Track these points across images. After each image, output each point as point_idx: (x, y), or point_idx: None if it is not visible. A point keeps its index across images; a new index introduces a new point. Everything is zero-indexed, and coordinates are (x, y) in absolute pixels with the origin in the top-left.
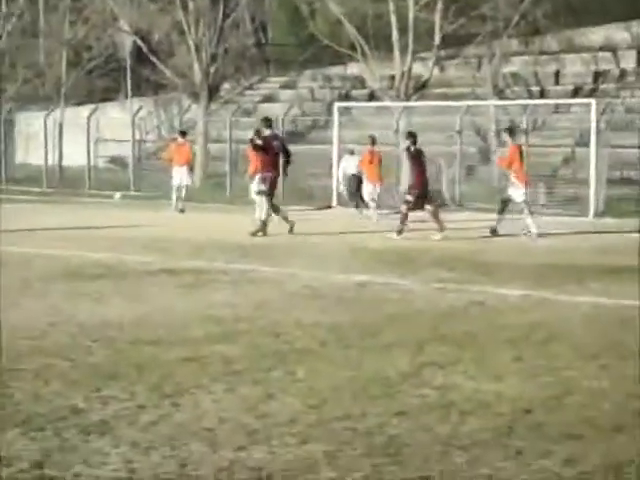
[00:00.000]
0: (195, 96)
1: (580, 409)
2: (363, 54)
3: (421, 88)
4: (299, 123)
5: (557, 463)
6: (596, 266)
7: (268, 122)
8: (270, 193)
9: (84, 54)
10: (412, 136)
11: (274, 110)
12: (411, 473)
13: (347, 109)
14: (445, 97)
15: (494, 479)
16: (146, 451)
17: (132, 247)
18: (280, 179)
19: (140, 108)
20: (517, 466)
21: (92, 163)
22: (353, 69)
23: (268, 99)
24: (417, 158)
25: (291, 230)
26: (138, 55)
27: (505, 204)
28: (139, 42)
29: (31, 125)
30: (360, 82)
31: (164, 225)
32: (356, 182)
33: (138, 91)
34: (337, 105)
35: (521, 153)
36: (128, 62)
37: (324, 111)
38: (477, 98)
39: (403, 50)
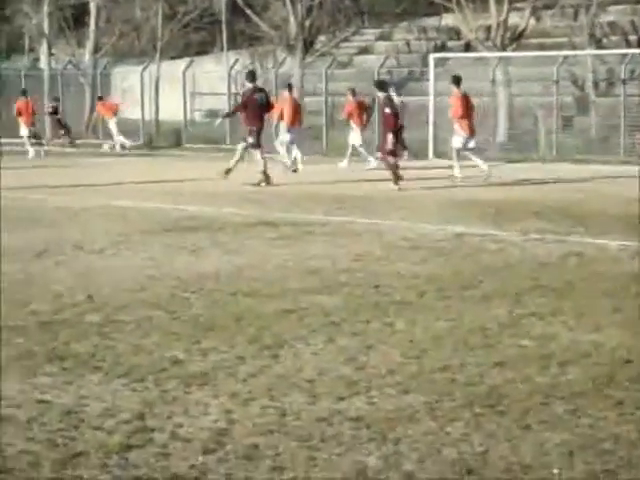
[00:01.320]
0: (290, 49)
1: None
2: (458, 4)
3: (517, 38)
4: (395, 75)
5: None
6: None
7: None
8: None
9: (179, 8)
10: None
11: (369, 62)
12: (511, 423)
13: (443, 60)
14: (541, 47)
15: (594, 429)
16: (246, 402)
17: (228, 200)
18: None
19: (236, 61)
20: (618, 416)
21: (188, 117)
22: (448, 20)
23: (363, 51)
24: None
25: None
26: (233, 8)
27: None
28: None
29: (127, 80)
30: (456, 33)
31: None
32: None
33: (233, 44)
34: (432, 56)
35: (467, 103)
36: (223, 15)
37: (420, 63)
38: (574, 48)
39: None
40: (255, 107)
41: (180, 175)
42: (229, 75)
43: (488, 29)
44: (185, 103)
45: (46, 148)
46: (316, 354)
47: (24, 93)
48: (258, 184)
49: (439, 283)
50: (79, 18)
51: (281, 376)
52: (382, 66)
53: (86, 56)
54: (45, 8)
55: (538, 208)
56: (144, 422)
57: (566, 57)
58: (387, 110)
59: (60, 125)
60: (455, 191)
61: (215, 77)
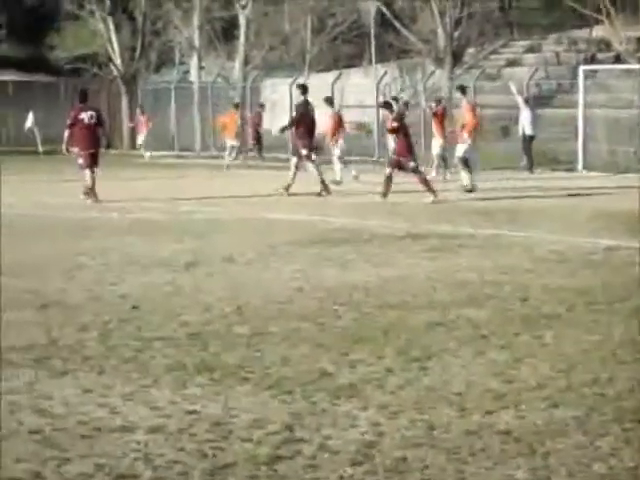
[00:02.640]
0: (439, 61)
1: None
2: (608, 16)
3: None
4: (544, 87)
5: None
6: None
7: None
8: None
9: (328, 21)
10: None
11: (519, 74)
12: None
13: (592, 72)
14: None
15: None
16: (394, 414)
17: (375, 212)
18: None
19: (385, 73)
20: None
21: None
22: (598, 31)
23: (512, 63)
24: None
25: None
26: (382, 21)
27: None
28: (383, 8)
29: (276, 92)
30: (605, 45)
31: (406, 190)
32: None
33: (382, 57)
34: (582, 68)
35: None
36: (372, 28)
37: (569, 74)
38: None
39: None
40: (307, 121)
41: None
42: (377, 87)
43: (638, 40)
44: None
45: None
46: (464, 367)
47: (236, 106)
48: (319, 194)
49: (588, 296)
50: (229, 31)
51: (429, 389)
52: (531, 78)
53: (236, 69)
54: (195, 21)
55: None
56: (292, 433)
57: None
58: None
59: (257, 136)
60: (603, 204)
61: (363, 90)
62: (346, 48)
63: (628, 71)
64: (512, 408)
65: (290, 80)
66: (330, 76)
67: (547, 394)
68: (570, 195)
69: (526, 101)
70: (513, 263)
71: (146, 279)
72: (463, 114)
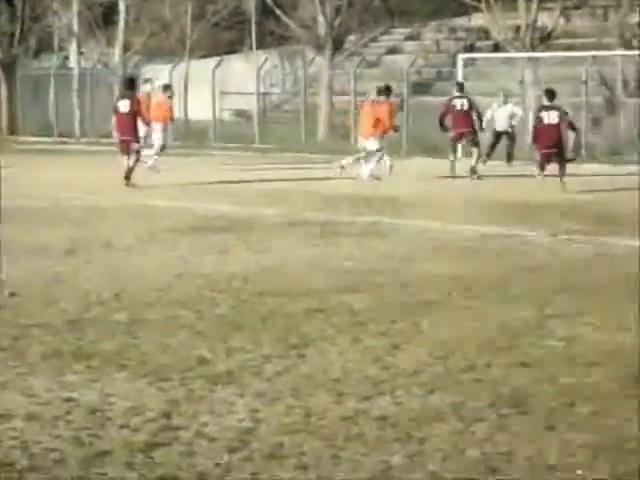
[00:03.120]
0: (319, 48)
1: None
2: (487, 5)
3: (546, 39)
4: (423, 74)
5: None
6: None
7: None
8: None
9: (209, 7)
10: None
11: (398, 62)
12: (536, 423)
13: (471, 60)
14: (570, 48)
15: (619, 430)
16: (271, 401)
17: (257, 199)
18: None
19: (265, 60)
20: None
21: (217, 116)
22: (477, 20)
23: (392, 51)
24: None
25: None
26: (262, 7)
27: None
28: None
29: (157, 78)
30: (484, 33)
31: (288, 178)
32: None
33: (262, 43)
34: (461, 56)
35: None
36: (252, 14)
37: (448, 62)
38: (603, 48)
39: (528, 0)
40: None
41: (208, 175)
42: (258, 75)
43: (517, 29)
44: (214, 102)
45: None
46: (342, 354)
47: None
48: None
49: (466, 283)
50: (108, 17)
51: (307, 375)
52: (411, 66)
53: (115, 55)
54: (75, 7)
55: (566, 209)
56: (170, 421)
57: (595, 57)
58: None
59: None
60: (485, 191)
61: (244, 76)
62: (227, 34)
63: (507, 59)
64: (389, 394)
65: (170, 66)
66: (211, 62)
67: (424, 380)
68: (448, 182)
69: (504, 100)
70: (392, 250)
71: (24, 266)
72: (383, 110)
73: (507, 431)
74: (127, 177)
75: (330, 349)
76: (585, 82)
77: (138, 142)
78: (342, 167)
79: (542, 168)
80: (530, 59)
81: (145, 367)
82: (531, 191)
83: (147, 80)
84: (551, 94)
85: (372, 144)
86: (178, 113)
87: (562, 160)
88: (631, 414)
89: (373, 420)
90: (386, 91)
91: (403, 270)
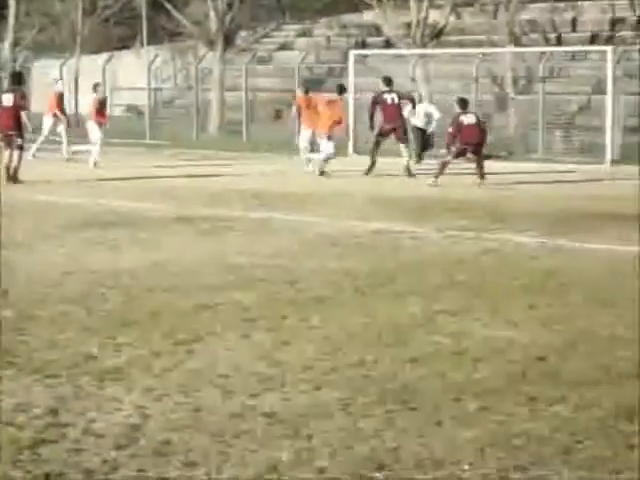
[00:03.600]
0: (211, 44)
1: (594, 356)
2: (379, 1)
3: (437, 35)
4: (315, 71)
5: (570, 409)
6: (612, 214)
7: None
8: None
9: (99, 2)
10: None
11: (290, 58)
12: (424, 419)
13: (363, 57)
14: (461, 45)
15: (506, 425)
16: (159, 397)
17: (148, 195)
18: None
19: (156, 56)
20: (529, 412)
21: (108, 111)
22: (369, 16)
23: (284, 47)
24: None
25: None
26: (153, 3)
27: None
28: None
29: (47, 74)
30: (376, 29)
31: (179, 174)
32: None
33: (154, 39)
34: (352, 53)
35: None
36: (143, 10)
37: (340, 59)
38: (493, 45)
39: None
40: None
41: (99, 170)
42: (149, 70)
43: (408, 26)
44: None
45: None
46: (231, 350)
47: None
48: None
49: (355, 279)
50: None
51: (195, 371)
52: (302, 62)
53: (5, 49)
54: None
55: (456, 205)
56: (57, 417)
57: (485, 55)
58: None
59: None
60: (375, 188)
61: (135, 72)
62: (118, 30)
63: (398, 56)
64: (277, 390)
65: (61, 62)
66: (101, 58)
67: (312, 376)
68: (340, 179)
69: (419, 99)
70: (283, 246)
71: None
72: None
73: (395, 427)
74: (14, 175)
75: (219, 345)
76: (475, 79)
77: (22, 137)
78: (323, 172)
79: (455, 156)
80: (421, 56)
81: (32, 364)
82: (423, 188)
83: (57, 80)
84: (463, 102)
85: (330, 144)
86: (69, 109)
87: (480, 157)
88: (518, 410)
89: (261, 416)
90: (341, 89)
91: (293, 266)
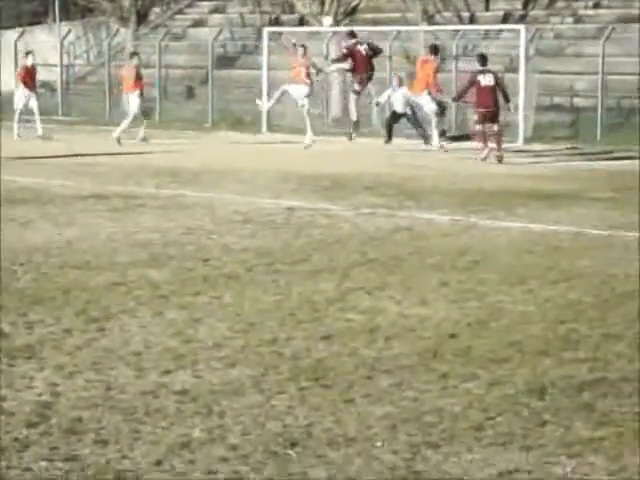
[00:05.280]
0: (124, 20)
1: (506, 333)
2: None
3: (351, 13)
4: (229, 48)
5: (482, 386)
6: (524, 192)
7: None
8: None
9: None
10: None
11: (203, 34)
12: (336, 396)
13: (277, 34)
14: (375, 22)
15: (418, 402)
16: (71, 375)
17: (60, 172)
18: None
19: (68, 32)
20: (441, 389)
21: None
22: None
23: (198, 23)
24: None
25: None
26: None
27: None
28: None
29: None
30: (290, 7)
31: (91, 150)
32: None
33: (66, 15)
34: (267, 30)
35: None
36: None
37: (254, 36)
38: (407, 23)
39: None
40: None
41: (10, 147)
42: (61, 46)
43: (322, 3)
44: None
45: None
46: (143, 327)
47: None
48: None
49: (268, 257)
50: None
51: (107, 349)
52: (216, 39)
53: None
54: None
55: (370, 183)
56: None
57: (399, 32)
58: None
59: None
60: (291, 165)
61: (47, 48)
62: (30, 5)
63: (312, 33)
64: (189, 368)
65: None
66: (13, 34)
67: (224, 354)
68: (256, 157)
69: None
70: (195, 224)
71: None
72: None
73: (307, 404)
74: None
75: (131, 322)
76: (390, 57)
77: None
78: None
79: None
80: (335, 33)
81: None
82: (340, 164)
83: (28, 52)
84: (483, 59)
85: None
86: None
87: (498, 125)
88: (430, 386)
89: (173, 394)
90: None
91: (206, 243)
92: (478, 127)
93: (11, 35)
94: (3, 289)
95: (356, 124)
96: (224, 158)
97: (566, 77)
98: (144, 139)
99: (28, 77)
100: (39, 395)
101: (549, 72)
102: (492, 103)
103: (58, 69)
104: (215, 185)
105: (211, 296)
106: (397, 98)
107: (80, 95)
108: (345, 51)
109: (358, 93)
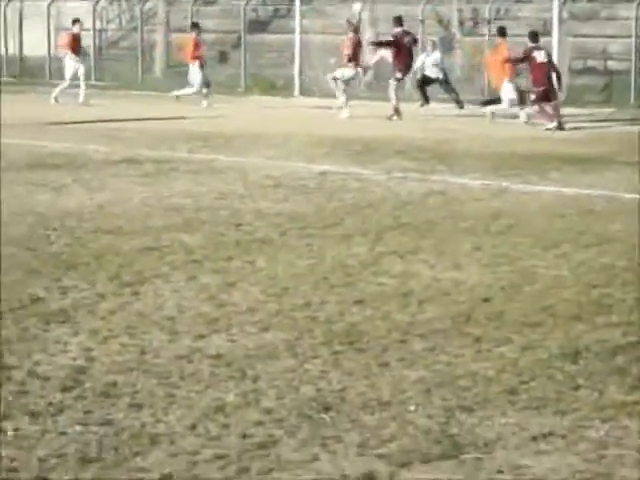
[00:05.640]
0: None
1: (539, 298)
2: None
3: None
4: (261, 12)
5: (515, 350)
6: (557, 156)
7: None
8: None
9: None
10: None
11: None
12: (370, 360)
13: None
14: None
15: (452, 366)
16: (105, 339)
17: (92, 137)
18: None
19: None
20: (475, 353)
21: (53, 53)
22: None
23: None
24: None
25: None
26: None
27: None
28: None
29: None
30: None
31: (124, 116)
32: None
33: None
34: None
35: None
36: None
37: (286, 0)
38: None
39: None
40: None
41: (43, 111)
42: (94, 10)
43: None
44: (49, 38)
45: None
46: (177, 291)
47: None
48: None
49: (301, 221)
50: None
51: (141, 313)
52: (248, 3)
53: None
54: None
55: (403, 147)
56: (2, 359)
57: None
58: None
59: None
60: (324, 129)
61: (80, 12)
62: None
63: None
64: (223, 332)
65: (4, 2)
66: None
67: (258, 318)
68: (288, 121)
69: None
70: (228, 188)
71: None
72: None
73: (341, 368)
74: None
75: (164, 287)
76: (422, 21)
77: None
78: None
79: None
80: None
81: None
82: (373, 129)
83: (75, 20)
84: (535, 35)
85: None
86: (13, 49)
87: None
88: (463, 350)
89: (207, 358)
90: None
91: (239, 208)
92: (536, 106)
93: (43, 0)
94: (37, 254)
95: (396, 110)
96: (256, 123)
97: (600, 40)
98: (209, 105)
99: (75, 44)
100: (73, 359)
101: (583, 35)
102: (546, 81)
103: (91, 33)
104: (248, 150)
105: (244, 260)
106: (430, 63)
107: (113, 60)
108: (392, 38)
109: (399, 80)
